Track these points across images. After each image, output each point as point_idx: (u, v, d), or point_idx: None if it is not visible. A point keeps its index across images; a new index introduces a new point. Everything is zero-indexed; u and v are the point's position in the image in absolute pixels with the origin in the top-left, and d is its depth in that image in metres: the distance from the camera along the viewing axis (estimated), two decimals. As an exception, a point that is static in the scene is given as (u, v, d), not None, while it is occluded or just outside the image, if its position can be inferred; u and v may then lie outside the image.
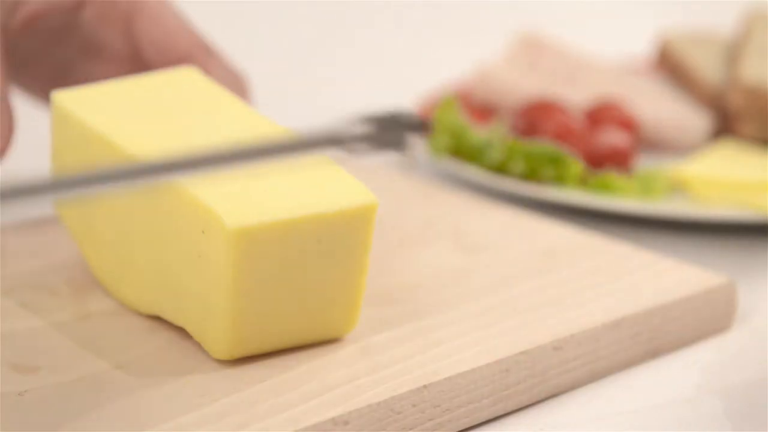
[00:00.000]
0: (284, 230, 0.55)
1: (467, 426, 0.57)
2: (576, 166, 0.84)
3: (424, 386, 0.56)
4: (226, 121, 0.61)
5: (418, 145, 0.51)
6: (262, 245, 0.54)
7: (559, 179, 0.84)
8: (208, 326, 0.57)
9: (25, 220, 0.69)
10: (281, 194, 0.56)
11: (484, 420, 0.58)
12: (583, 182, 0.84)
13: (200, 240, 0.55)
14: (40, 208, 0.55)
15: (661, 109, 0.95)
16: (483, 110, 0.97)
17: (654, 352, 0.64)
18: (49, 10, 0.65)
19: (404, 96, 1.02)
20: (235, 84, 0.67)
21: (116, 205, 0.61)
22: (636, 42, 1.13)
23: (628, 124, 0.90)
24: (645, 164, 0.90)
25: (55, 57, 0.69)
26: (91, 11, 0.66)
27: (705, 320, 0.66)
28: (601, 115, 0.91)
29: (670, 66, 1.02)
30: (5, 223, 0.70)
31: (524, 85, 0.97)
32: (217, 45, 0.68)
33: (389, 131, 0.49)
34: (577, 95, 0.95)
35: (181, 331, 0.59)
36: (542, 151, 0.84)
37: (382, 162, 0.94)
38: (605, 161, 0.86)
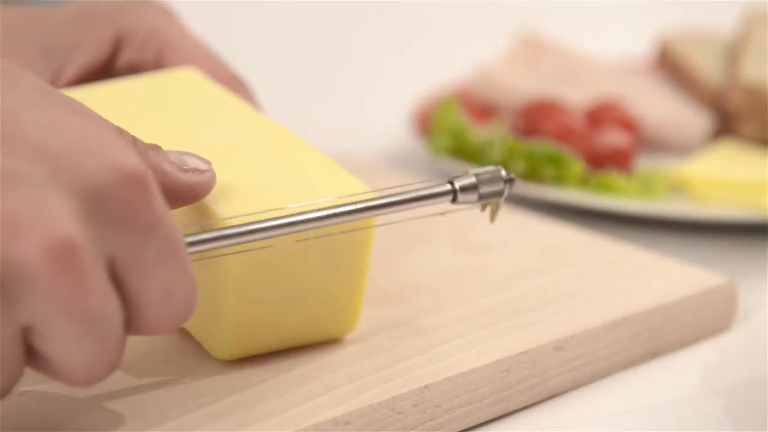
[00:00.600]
0: None
1: (468, 426, 0.57)
2: (576, 166, 0.84)
3: (425, 386, 0.56)
4: (227, 121, 0.61)
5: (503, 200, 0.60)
6: (261, 242, 0.54)
7: (560, 179, 0.84)
8: (209, 326, 0.57)
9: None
10: (281, 192, 0.56)
11: (484, 420, 0.58)
12: (583, 182, 0.84)
13: None
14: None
15: (661, 109, 0.95)
16: (483, 110, 0.97)
17: (654, 352, 0.64)
18: (89, 69, 0.66)
19: (404, 96, 1.02)
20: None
21: None
22: (636, 42, 1.14)
23: (628, 124, 0.90)
24: (645, 164, 0.90)
25: None
26: (126, 55, 0.67)
27: (705, 320, 0.66)
28: (601, 115, 0.91)
29: (670, 66, 1.02)
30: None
31: (524, 85, 0.97)
32: (231, 63, 0.68)
33: (490, 184, 0.58)
34: (577, 95, 0.95)
35: (181, 331, 0.59)
36: (542, 151, 0.84)
37: (382, 162, 0.94)
38: (605, 161, 0.86)
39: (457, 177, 0.58)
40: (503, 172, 0.58)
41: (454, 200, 0.58)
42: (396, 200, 0.56)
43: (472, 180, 0.58)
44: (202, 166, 0.53)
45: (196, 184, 0.53)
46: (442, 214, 0.60)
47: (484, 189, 0.58)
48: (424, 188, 0.57)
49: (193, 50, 0.67)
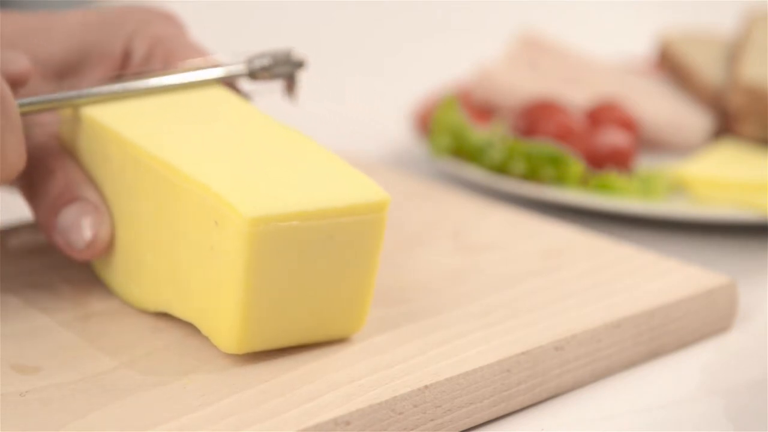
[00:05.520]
0: (297, 222, 0.55)
1: (468, 426, 0.57)
2: (576, 166, 0.84)
3: (426, 386, 0.56)
4: (241, 123, 0.62)
5: (300, 81, 0.67)
6: (275, 236, 0.55)
7: (560, 179, 0.84)
8: (217, 319, 0.57)
9: (25, 220, 0.69)
10: (294, 187, 0.56)
11: (485, 420, 0.58)
12: (583, 182, 0.84)
13: (213, 232, 0.56)
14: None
15: (661, 109, 0.95)
16: (483, 110, 0.97)
17: (655, 352, 0.64)
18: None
19: (404, 96, 1.02)
20: None
21: (121, 201, 0.61)
22: (636, 42, 1.13)
23: (628, 124, 0.90)
24: (645, 164, 0.90)
25: None
26: (131, 66, 0.67)
27: (706, 320, 0.66)
28: (601, 115, 0.91)
29: (670, 66, 1.02)
30: (5, 223, 0.70)
31: (524, 85, 0.97)
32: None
33: (282, 65, 0.66)
34: (577, 95, 0.95)
35: (183, 330, 0.59)
36: (542, 151, 0.84)
37: (382, 162, 0.94)
38: (606, 161, 0.86)
39: (253, 57, 0.65)
40: (293, 54, 0.66)
41: (252, 77, 0.65)
42: (193, 80, 0.63)
43: (267, 60, 0.65)
44: (13, 55, 0.60)
45: (11, 73, 0.60)
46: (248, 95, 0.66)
47: (278, 69, 0.65)
48: (222, 66, 0.64)
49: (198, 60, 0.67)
